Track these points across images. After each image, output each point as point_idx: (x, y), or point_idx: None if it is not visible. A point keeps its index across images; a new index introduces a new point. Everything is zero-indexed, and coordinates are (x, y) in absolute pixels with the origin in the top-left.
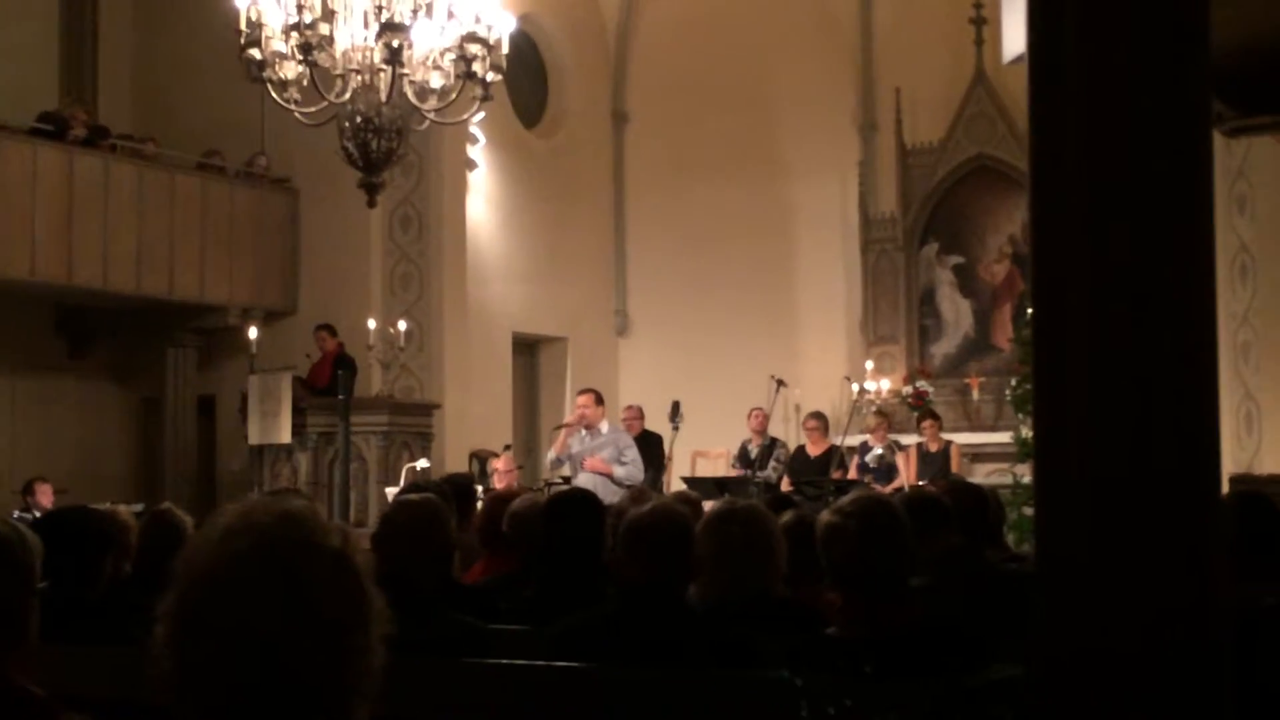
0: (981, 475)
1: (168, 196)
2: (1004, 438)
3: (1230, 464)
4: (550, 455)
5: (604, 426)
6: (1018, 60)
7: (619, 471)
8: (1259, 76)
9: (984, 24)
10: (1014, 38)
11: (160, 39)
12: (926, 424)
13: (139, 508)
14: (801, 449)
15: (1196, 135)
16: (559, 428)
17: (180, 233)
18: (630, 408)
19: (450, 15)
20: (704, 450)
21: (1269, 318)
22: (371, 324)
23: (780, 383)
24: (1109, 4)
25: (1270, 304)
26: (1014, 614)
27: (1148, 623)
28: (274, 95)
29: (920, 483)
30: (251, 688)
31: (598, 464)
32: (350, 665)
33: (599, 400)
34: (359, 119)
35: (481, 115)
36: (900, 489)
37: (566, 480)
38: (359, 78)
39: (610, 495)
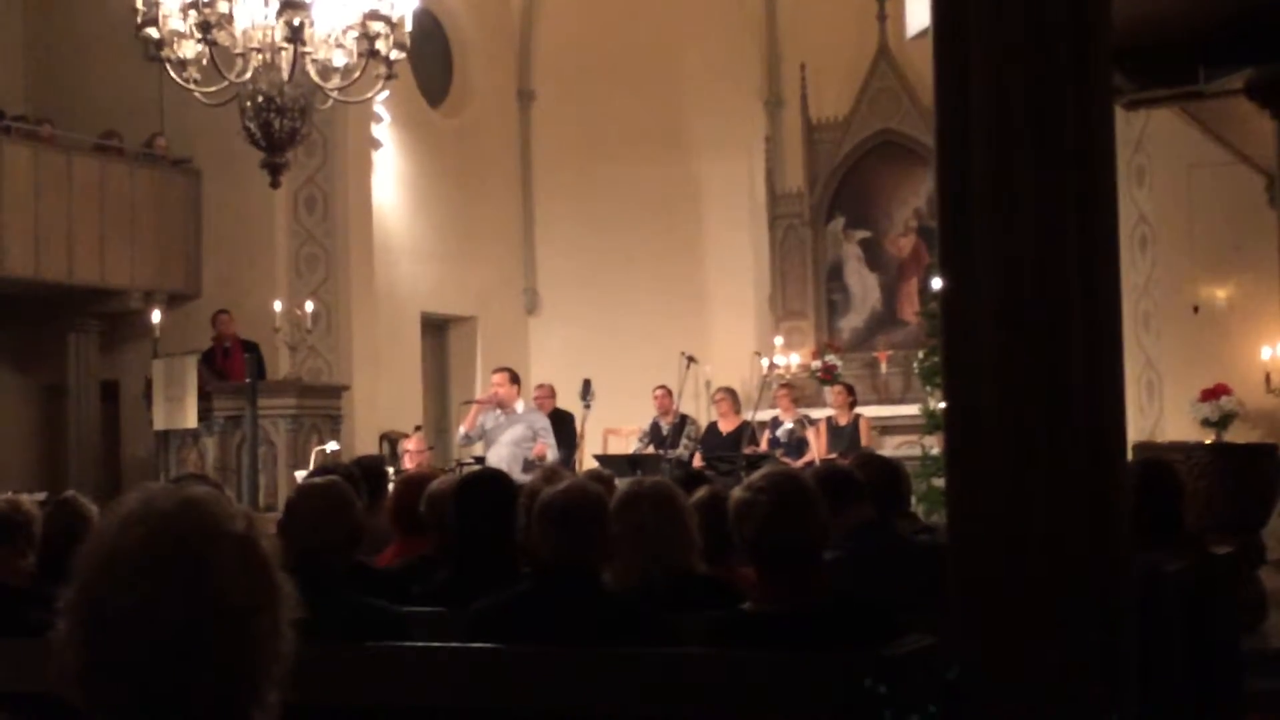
0: (891, 447)
1: (65, 179)
2: (912, 410)
3: (1133, 431)
4: (460, 431)
5: (519, 406)
6: (920, 35)
7: (551, 455)
8: (1157, 50)
9: None
10: (917, 13)
11: (54, 18)
12: (836, 389)
13: (42, 497)
14: (713, 425)
15: (1098, 107)
16: (468, 403)
17: (79, 215)
18: (542, 386)
19: None
20: (616, 428)
21: (1168, 288)
22: (278, 306)
23: (690, 359)
24: None
25: (1169, 274)
26: (927, 585)
27: (1056, 588)
28: (173, 75)
29: (831, 456)
30: (157, 678)
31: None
32: (258, 651)
33: (514, 379)
34: (261, 98)
35: (386, 94)
36: (811, 463)
37: (480, 460)
38: (260, 56)
39: (521, 474)
